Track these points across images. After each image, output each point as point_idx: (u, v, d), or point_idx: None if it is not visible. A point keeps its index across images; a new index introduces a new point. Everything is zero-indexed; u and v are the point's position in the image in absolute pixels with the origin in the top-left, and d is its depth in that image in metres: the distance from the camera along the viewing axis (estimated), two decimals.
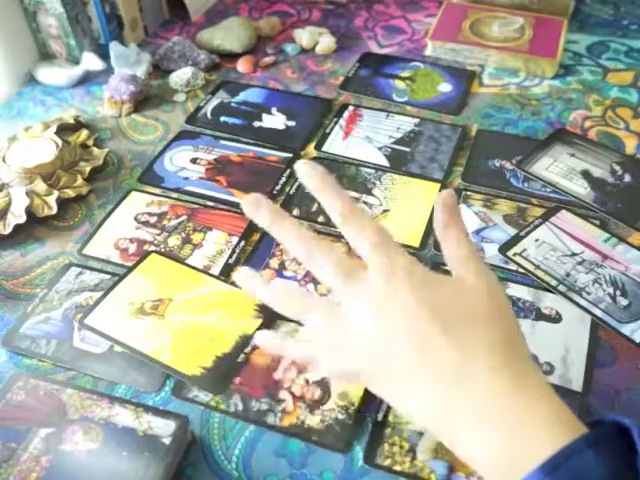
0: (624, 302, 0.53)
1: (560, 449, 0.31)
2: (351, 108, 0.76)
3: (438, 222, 0.40)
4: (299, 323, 0.40)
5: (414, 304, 0.36)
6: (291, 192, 0.64)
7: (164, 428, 0.44)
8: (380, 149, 0.70)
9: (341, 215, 0.39)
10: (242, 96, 0.78)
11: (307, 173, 0.40)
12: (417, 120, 0.73)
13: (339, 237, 0.59)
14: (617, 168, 0.66)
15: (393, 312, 0.36)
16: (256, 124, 0.74)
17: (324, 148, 0.70)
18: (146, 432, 0.44)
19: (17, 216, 0.61)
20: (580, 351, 0.50)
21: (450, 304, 0.36)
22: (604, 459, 0.30)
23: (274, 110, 0.76)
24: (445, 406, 0.34)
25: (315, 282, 0.56)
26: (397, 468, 0.43)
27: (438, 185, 0.64)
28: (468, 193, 0.64)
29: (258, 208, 0.39)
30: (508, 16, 0.86)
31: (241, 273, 0.42)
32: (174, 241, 0.60)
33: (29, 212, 0.61)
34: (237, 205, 0.63)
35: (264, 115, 0.75)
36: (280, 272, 0.57)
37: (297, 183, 0.65)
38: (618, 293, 0.54)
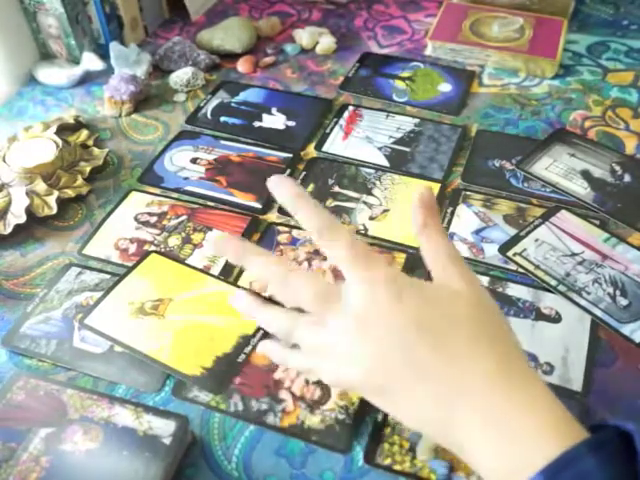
0: (624, 302, 0.53)
1: (561, 454, 0.30)
2: (351, 108, 0.76)
3: (416, 222, 0.39)
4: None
5: (400, 322, 0.35)
6: None
7: (164, 428, 0.44)
8: (380, 149, 0.70)
9: (317, 230, 0.38)
10: (242, 96, 0.78)
11: (277, 184, 0.39)
12: (417, 120, 0.73)
13: None
14: (617, 168, 0.66)
15: (379, 331, 0.35)
16: (256, 124, 0.74)
17: (324, 148, 0.70)
18: (146, 432, 0.44)
19: (17, 216, 0.61)
20: (580, 351, 0.50)
21: (437, 315, 0.36)
22: (605, 465, 0.30)
23: (274, 110, 0.76)
24: (445, 420, 0.34)
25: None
26: (397, 468, 0.43)
27: (438, 185, 0.64)
28: (468, 193, 0.64)
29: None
30: (508, 16, 0.86)
31: (238, 298, 0.43)
32: (174, 241, 0.60)
33: (29, 212, 0.61)
34: (237, 205, 0.63)
35: (264, 115, 0.75)
36: None
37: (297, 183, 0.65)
38: (618, 293, 0.54)
